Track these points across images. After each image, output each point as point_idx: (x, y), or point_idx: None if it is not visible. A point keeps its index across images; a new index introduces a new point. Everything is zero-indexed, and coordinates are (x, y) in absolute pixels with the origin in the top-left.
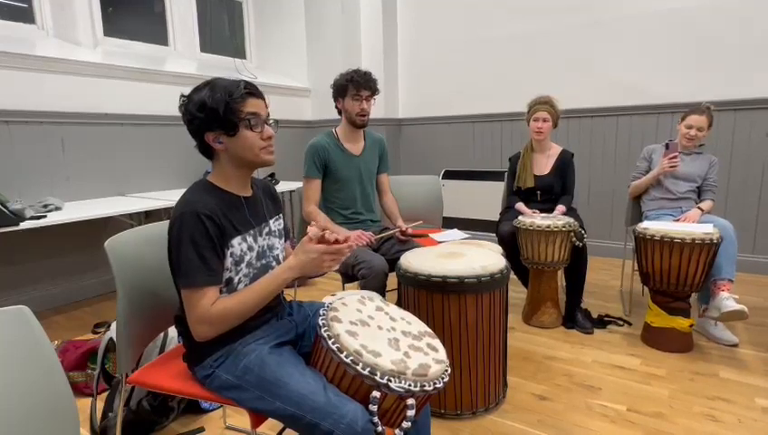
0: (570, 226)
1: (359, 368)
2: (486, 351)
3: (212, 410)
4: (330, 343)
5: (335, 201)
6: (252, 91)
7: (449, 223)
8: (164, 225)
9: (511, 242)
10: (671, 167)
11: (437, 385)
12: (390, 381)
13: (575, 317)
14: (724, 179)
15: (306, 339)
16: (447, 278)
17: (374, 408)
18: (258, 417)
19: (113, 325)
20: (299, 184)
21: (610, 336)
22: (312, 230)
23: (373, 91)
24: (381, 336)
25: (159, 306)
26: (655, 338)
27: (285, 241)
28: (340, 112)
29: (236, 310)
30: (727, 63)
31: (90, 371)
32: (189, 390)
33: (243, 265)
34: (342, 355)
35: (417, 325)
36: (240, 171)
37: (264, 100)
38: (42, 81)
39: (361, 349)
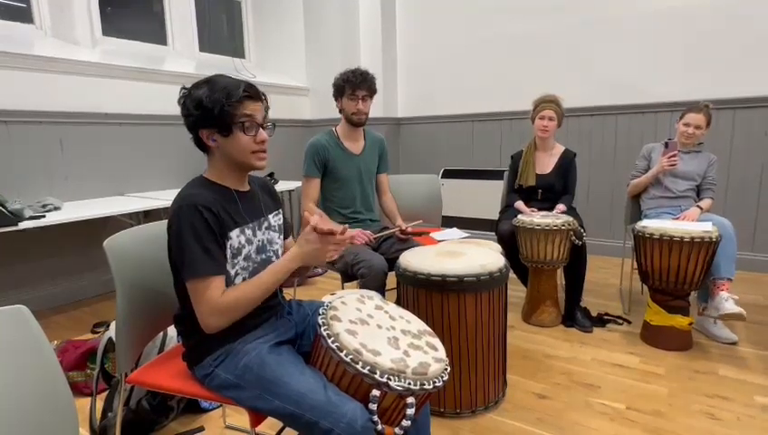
0: (569, 224)
1: (358, 367)
2: (486, 349)
3: (212, 410)
4: (329, 341)
5: (334, 200)
6: (251, 94)
7: (448, 222)
8: (163, 224)
9: (510, 241)
10: (670, 165)
11: (437, 384)
12: (390, 380)
13: (574, 316)
14: (724, 178)
15: (306, 338)
16: (447, 277)
17: (374, 407)
18: (258, 416)
19: (112, 325)
20: (298, 183)
21: (610, 335)
22: (312, 219)
23: (370, 90)
24: (381, 335)
25: (159, 306)
26: (654, 336)
27: (286, 239)
28: (340, 111)
29: (246, 298)
30: (727, 62)
31: (89, 370)
32: (189, 389)
33: (240, 259)
34: (342, 354)
35: (417, 324)
36: (233, 169)
37: (263, 102)
38: (40, 80)
39: (361, 348)
